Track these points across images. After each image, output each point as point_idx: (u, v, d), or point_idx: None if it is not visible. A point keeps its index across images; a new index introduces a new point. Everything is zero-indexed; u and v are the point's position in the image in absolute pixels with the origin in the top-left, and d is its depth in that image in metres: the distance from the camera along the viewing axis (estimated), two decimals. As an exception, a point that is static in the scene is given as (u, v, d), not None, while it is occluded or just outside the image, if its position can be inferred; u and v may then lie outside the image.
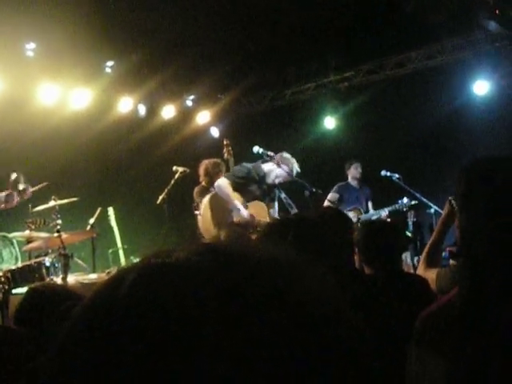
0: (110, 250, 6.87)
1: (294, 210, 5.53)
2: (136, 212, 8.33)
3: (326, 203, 6.57)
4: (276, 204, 5.84)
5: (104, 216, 6.61)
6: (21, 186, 5.53)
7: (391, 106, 8.93)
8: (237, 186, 5.50)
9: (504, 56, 8.11)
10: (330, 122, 9.81)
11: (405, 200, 7.04)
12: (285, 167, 5.62)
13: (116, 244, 6.72)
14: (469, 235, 1.42)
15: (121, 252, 6.68)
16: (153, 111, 9.25)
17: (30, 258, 5.68)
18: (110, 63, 8.27)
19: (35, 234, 5.63)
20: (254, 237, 5.18)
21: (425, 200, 6.83)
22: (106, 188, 8.34)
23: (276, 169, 5.69)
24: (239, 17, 7.43)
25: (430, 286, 2.60)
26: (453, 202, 2.33)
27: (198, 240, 5.18)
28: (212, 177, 6.12)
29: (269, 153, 5.75)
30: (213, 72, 8.72)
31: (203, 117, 9.80)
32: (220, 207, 5.51)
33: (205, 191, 6.04)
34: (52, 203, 5.67)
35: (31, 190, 5.60)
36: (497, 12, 7.21)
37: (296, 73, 9.72)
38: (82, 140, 7.91)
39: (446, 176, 7.41)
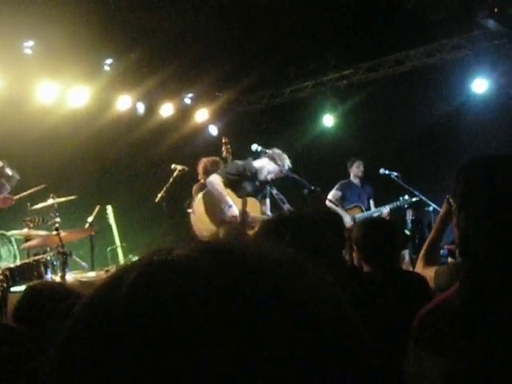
0: (109, 248, 6.87)
1: (287, 205, 5.53)
2: (135, 210, 8.33)
3: (327, 201, 6.57)
4: (268, 200, 5.84)
5: (103, 214, 6.61)
6: (9, 172, 5.54)
7: (390, 104, 8.93)
8: (229, 183, 5.50)
9: (503, 54, 8.11)
10: (328, 120, 9.81)
11: (406, 197, 7.05)
12: (276, 163, 5.63)
13: (114, 242, 6.72)
14: (468, 234, 1.42)
15: (119, 250, 6.68)
16: (151, 109, 9.24)
17: (28, 256, 5.67)
18: (108, 61, 8.26)
19: (34, 232, 5.63)
20: (248, 233, 5.20)
21: (423, 198, 6.85)
22: (105, 186, 8.34)
23: (267, 165, 5.70)
24: (238, 15, 7.42)
25: (429, 284, 2.60)
26: (451, 200, 2.33)
27: (197, 238, 5.18)
28: (210, 175, 6.12)
29: (267, 151, 5.76)
30: (211, 70, 8.71)
31: (202, 115, 9.80)
32: (213, 204, 5.50)
33: (203, 189, 6.04)
34: (50, 201, 5.66)
35: (18, 177, 5.60)
36: (495, 10, 7.21)
37: (295, 71, 9.71)
38: (80, 138, 7.90)
39: (444, 174, 7.41)
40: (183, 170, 6.64)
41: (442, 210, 2.62)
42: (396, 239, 2.97)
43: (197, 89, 9.53)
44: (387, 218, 7.03)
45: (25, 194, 5.79)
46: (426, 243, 2.70)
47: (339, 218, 3.05)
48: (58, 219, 5.51)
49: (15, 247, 5.77)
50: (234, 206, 5.38)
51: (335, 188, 7.72)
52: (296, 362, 0.45)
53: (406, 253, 6.41)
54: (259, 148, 5.76)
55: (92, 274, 5.60)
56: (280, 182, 6.04)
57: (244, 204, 5.52)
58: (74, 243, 6.38)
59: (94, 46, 7.30)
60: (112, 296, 0.48)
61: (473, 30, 8.15)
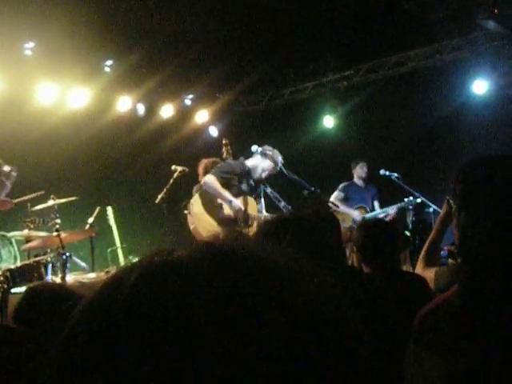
0: (109, 250, 6.86)
1: (282, 203, 5.52)
2: (135, 211, 8.33)
3: (330, 203, 6.57)
4: (262, 200, 5.84)
5: (103, 215, 6.61)
6: (6, 168, 5.53)
7: (390, 106, 8.93)
8: (223, 182, 5.50)
9: (503, 55, 8.11)
10: (329, 121, 9.81)
11: (411, 198, 7.07)
12: (270, 159, 5.63)
13: (115, 243, 6.72)
14: (468, 234, 1.42)
15: (119, 251, 6.68)
16: (151, 110, 9.24)
17: (28, 258, 5.67)
18: (108, 62, 8.27)
19: (34, 233, 5.63)
20: (246, 230, 5.20)
21: (424, 199, 6.85)
22: (105, 187, 8.34)
23: (261, 163, 5.69)
24: (238, 16, 7.43)
25: (429, 285, 2.60)
26: (451, 201, 2.33)
27: (197, 239, 5.17)
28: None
29: (267, 152, 5.75)
30: (211, 71, 8.72)
31: (202, 116, 9.79)
32: (211, 203, 5.50)
33: (204, 190, 6.04)
34: (51, 202, 5.66)
35: (15, 173, 5.60)
36: (496, 11, 7.21)
37: (295, 72, 9.71)
38: (80, 139, 7.90)
39: (444, 175, 7.43)
40: (183, 171, 6.63)
41: (442, 211, 2.62)
42: (396, 240, 2.97)
43: (197, 90, 9.53)
44: (394, 219, 7.06)
45: (24, 198, 5.79)
46: (426, 244, 2.70)
47: (337, 220, 3.05)
48: (58, 220, 5.51)
49: (16, 248, 5.77)
50: (234, 200, 5.37)
51: (338, 189, 7.76)
52: (295, 363, 0.45)
53: (407, 254, 6.41)
54: (259, 149, 5.76)
55: (92, 275, 5.59)
56: (280, 182, 6.04)
57: (245, 202, 5.52)
58: (75, 244, 6.38)
59: (94, 47, 7.31)
60: (113, 297, 0.48)
61: (473, 32, 8.15)
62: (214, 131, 9.89)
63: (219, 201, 5.46)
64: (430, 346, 1.37)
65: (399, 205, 7.23)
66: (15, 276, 4.98)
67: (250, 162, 5.75)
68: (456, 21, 7.64)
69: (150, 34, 7.45)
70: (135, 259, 0.60)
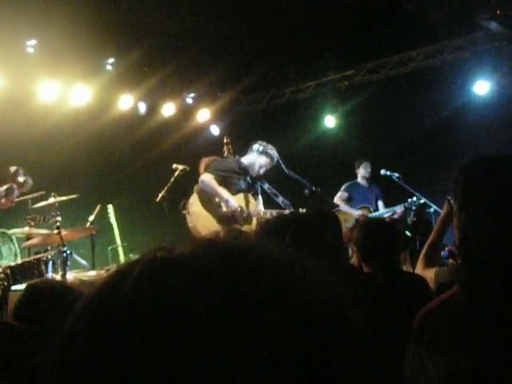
0: (110, 248, 6.87)
1: (280, 198, 5.51)
2: (136, 209, 8.33)
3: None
4: (260, 196, 5.84)
5: (104, 213, 6.61)
6: (21, 179, 5.55)
7: (391, 106, 8.92)
8: (221, 180, 5.50)
9: (504, 56, 8.10)
10: (330, 121, 9.79)
11: (414, 198, 7.07)
12: (265, 155, 5.64)
13: (115, 241, 6.72)
14: (469, 234, 1.42)
15: (120, 249, 6.68)
16: (153, 109, 9.24)
17: (29, 255, 5.67)
18: (110, 60, 8.26)
19: (35, 230, 5.63)
20: (244, 228, 5.20)
21: (424, 199, 6.85)
22: (106, 185, 8.34)
23: (257, 159, 5.69)
24: (240, 15, 7.42)
25: (429, 285, 2.60)
26: (451, 201, 2.33)
27: (197, 237, 5.16)
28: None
29: (268, 151, 5.75)
30: (213, 70, 8.72)
31: (203, 115, 9.79)
32: (209, 201, 5.50)
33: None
34: (52, 200, 5.67)
35: (31, 182, 5.61)
36: (498, 12, 7.20)
37: (296, 71, 9.71)
38: (82, 137, 7.91)
39: (445, 175, 7.41)
40: (184, 169, 6.63)
41: (442, 211, 2.62)
42: (396, 240, 2.97)
43: (198, 89, 9.53)
44: (401, 218, 7.08)
45: (24, 198, 5.80)
46: (427, 244, 2.70)
47: (338, 219, 3.06)
48: (59, 218, 5.51)
49: (16, 246, 5.78)
50: (230, 198, 5.36)
51: (342, 189, 7.77)
52: (296, 362, 0.45)
53: (407, 254, 6.41)
54: (260, 148, 5.76)
55: (93, 273, 5.60)
56: (280, 182, 6.04)
57: (246, 200, 5.53)
58: (75, 242, 6.39)
59: (95, 45, 7.30)
60: (114, 293, 0.48)
61: (474, 32, 8.15)
62: (215, 130, 9.89)
63: (217, 199, 5.46)
64: (430, 346, 1.37)
65: (403, 205, 7.24)
66: (15, 273, 4.99)
67: (246, 160, 5.74)
68: (457, 21, 7.63)
69: (152, 32, 7.44)
70: (136, 257, 0.60)
